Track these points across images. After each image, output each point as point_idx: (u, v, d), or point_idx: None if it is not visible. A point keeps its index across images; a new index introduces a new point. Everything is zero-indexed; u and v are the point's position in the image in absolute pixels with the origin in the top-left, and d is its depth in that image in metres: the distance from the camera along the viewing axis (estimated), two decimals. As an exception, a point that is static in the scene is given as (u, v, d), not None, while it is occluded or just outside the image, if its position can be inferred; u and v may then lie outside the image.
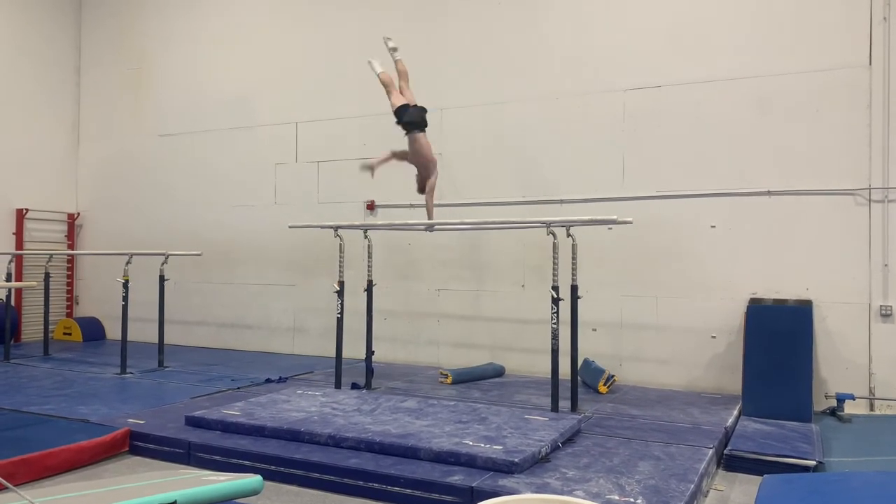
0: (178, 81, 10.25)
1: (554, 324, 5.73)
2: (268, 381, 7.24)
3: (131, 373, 7.56)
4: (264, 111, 9.50)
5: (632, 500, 3.73)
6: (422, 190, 6.57)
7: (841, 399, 6.21)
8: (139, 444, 5.06)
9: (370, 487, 4.20)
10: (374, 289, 7.05)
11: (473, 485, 3.96)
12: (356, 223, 7.41)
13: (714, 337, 7.00)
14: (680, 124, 7.19)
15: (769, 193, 6.80)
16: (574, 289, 5.85)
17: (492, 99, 8.08)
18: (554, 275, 5.74)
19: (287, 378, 7.37)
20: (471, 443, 4.50)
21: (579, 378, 6.25)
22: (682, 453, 4.64)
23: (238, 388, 6.84)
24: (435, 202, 6.70)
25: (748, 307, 6.50)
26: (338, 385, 6.71)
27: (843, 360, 6.49)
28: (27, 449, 4.51)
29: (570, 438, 4.91)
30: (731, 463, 4.84)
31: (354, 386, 6.77)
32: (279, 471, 4.47)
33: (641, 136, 7.36)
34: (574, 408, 5.83)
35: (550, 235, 5.71)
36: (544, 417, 5.22)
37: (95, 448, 4.80)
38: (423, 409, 5.51)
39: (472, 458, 4.26)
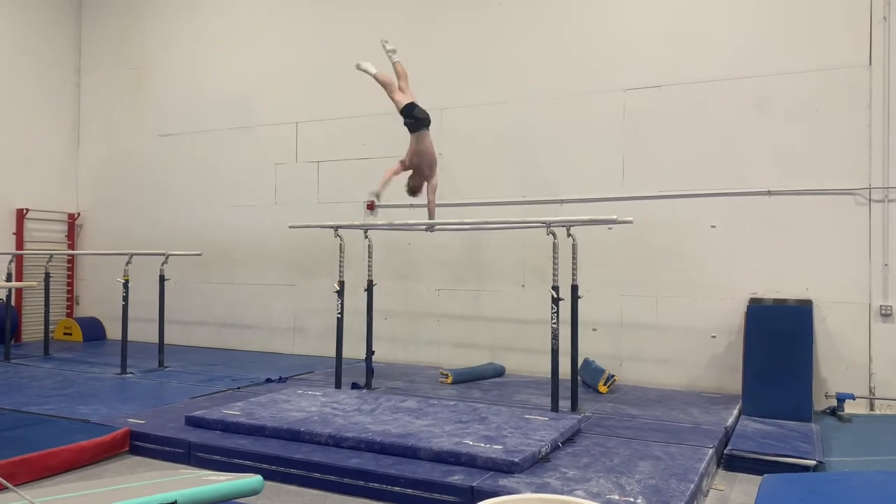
0: (178, 81, 10.25)
1: (554, 324, 5.73)
2: (268, 380, 7.24)
3: (131, 373, 7.56)
4: (264, 111, 9.50)
5: (632, 499, 3.74)
6: (413, 193, 6.50)
7: (841, 399, 6.21)
8: (139, 444, 5.06)
9: (370, 487, 4.20)
10: (375, 289, 7.05)
11: (473, 484, 3.96)
12: (356, 223, 7.41)
13: (714, 337, 7.00)
14: (680, 124, 7.19)
15: (769, 193, 6.81)
16: (574, 289, 5.85)
17: (492, 99, 8.08)
18: (554, 275, 5.74)
19: (287, 378, 7.37)
20: (471, 442, 4.50)
21: (579, 378, 6.26)
22: (683, 453, 4.64)
23: (238, 388, 6.84)
24: (436, 202, 6.69)
25: (748, 307, 6.50)
26: (338, 385, 6.71)
27: (844, 359, 6.49)
28: (27, 449, 4.51)
29: (570, 438, 4.92)
30: (731, 463, 4.84)
31: (355, 386, 6.78)
32: (279, 471, 4.47)
33: (641, 136, 7.36)
34: (574, 407, 5.83)
35: (550, 235, 5.71)
36: (544, 417, 5.22)
37: (95, 448, 4.81)
38: (424, 408, 5.51)
39: (473, 458, 4.26)
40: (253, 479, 3.39)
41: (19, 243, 10.06)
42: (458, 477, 4.07)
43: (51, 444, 4.63)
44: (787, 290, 6.69)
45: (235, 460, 4.64)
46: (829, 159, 6.60)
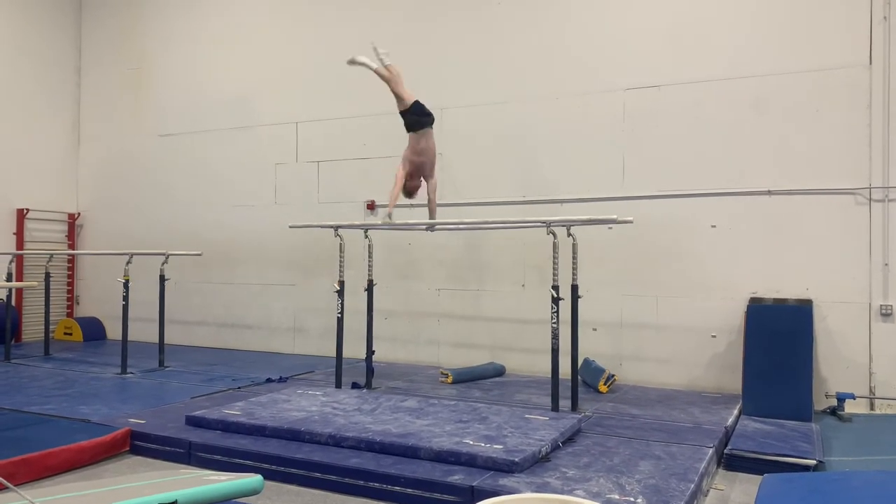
0: (178, 81, 10.25)
1: (554, 323, 5.73)
2: (268, 380, 7.24)
3: (132, 373, 7.56)
4: (264, 111, 9.50)
5: (632, 499, 3.74)
6: (410, 195, 6.35)
7: (841, 398, 6.21)
8: (140, 444, 5.06)
9: (371, 487, 4.20)
10: (375, 288, 7.05)
11: (474, 484, 3.96)
12: (356, 223, 7.41)
13: (714, 336, 7.00)
14: (680, 124, 7.19)
15: (769, 193, 6.81)
16: (574, 288, 5.85)
17: (492, 99, 8.08)
18: (554, 274, 5.74)
19: (287, 378, 7.37)
20: (471, 442, 4.50)
21: (579, 377, 6.26)
22: (683, 453, 4.64)
23: (238, 388, 6.84)
24: (436, 202, 6.66)
25: (748, 307, 6.50)
26: (338, 385, 6.72)
27: (844, 359, 6.49)
28: (28, 449, 4.51)
29: (570, 438, 4.92)
30: (732, 462, 4.84)
31: (355, 385, 6.78)
32: (280, 470, 4.47)
33: (641, 136, 7.36)
34: (574, 407, 5.83)
35: (551, 235, 5.71)
36: (545, 417, 5.22)
37: (96, 448, 4.81)
38: (424, 408, 5.51)
39: (473, 458, 4.27)
40: (253, 479, 3.39)
41: (19, 243, 10.06)
42: (458, 476, 4.08)
43: (51, 443, 4.64)
44: (788, 289, 6.69)
45: (236, 460, 4.65)
46: (830, 159, 6.60)
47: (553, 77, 7.79)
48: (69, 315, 10.86)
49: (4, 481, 2.86)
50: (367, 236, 7.00)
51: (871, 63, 6.48)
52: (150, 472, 4.47)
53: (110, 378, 7.34)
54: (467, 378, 7.28)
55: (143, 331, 9.11)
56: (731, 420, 5.67)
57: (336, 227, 6.85)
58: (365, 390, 6.58)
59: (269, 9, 9.59)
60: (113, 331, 10.16)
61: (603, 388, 6.66)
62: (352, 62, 6.39)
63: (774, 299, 6.64)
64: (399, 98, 6.24)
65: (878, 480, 3.99)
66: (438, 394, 6.55)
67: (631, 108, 7.41)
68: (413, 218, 7.74)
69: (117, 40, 10.79)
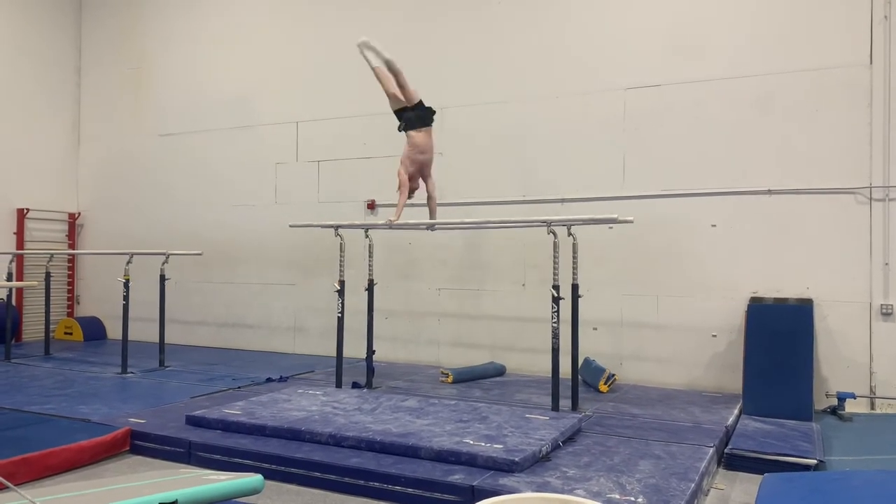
0: (178, 81, 10.25)
1: (554, 323, 5.73)
2: (269, 380, 7.24)
3: (132, 372, 7.56)
4: (264, 111, 9.50)
5: (632, 498, 3.73)
6: (408, 196, 6.27)
7: (842, 398, 6.21)
8: (140, 444, 5.06)
9: (371, 486, 4.20)
10: (375, 288, 7.05)
11: (474, 484, 3.96)
12: (357, 223, 7.41)
13: (715, 336, 7.00)
14: (680, 123, 7.19)
15: (770, 192, 6.80)
16: (575, 288, 5.85)
17: (492, 98, 8.08)
18: (555, 274, 5.73)
19: (288, 377, 7.37)
20: (471, 442, 4.50)
21: (580, 377, 6.26)
22: (683, 452, 4.64)
23: (239, 388, 6.84)
24: (437, 202, 6.64)
25: (749, 306, 6.49)
26: (338, 384, 6.71)
27: (844, 358, 6.49)
28: (28, 448, 4.51)
29: (570, 437, 4.92)
30: (732, 462, 4.84)
31: (355, 385, 6.78)
32: (280, 470, 4.47)
33: (642, 136, 7.36)
34: (575, 407, 5.83)
35: (551, 235, 5.71)
36: (545, 416, 5.22)
37: (96, 447, 4.81)
38: (424, 408, 5.51)
39: (473, 457, 4.26)
40: (253, 479, 3.39)
41: (20, 243, 10.06)
42: (458, 476, 4.07)
43: (51, 443, 4.64)
44: (788, 289, 6.69)
45: (236, 460, 4.64)
46: (830, 158, 6.59)
47: (553, 77, 7.79)
48: (69, 315, 10.87)
49: (5, 481, 2.86)
50: (367, 236, 7.00)
51: (871, 62, 6.48)
52: (150, 472, 4.47)
53: (110, 378, 7.34)
54: (468, 378, 7.27)
55: (144, 330, 9.10)
56: (731, 419, 5.67)
57: (336, 227, 6.85)
58: (365, 390, 6.58)
59: (269, 9, 9.59)
60: (113, 330, 10.16)
61: (603, 388, 6.66)
62: (364, 45, 6.08)
63: (775, 299, 6.64)
64: (405, 94, 6.10)
65: (879, 480, 3.99)
66: (439, 393, 6.55)
67: (631, 108, 7.41)
68: (413, 217, 7.73)
69: (117, 40, 10.79)
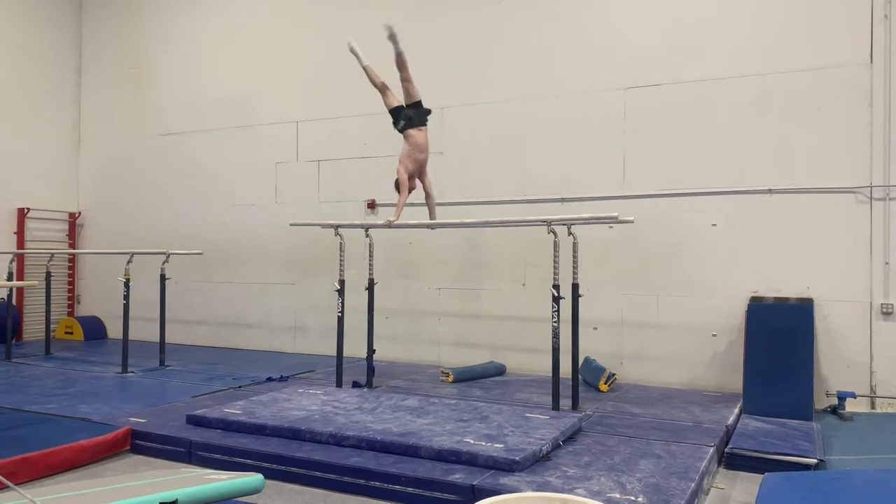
0: (178, 81, 10.25)
1: (555, 322, 5.73)
2: (269, 379, 7.24)
3: (133, 372, 7.57)
4: (264, 111, 9.50)
5: (633, 498, 3.74)
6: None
7: (842, 397, 6.21)
8: (140, 443, 5.07)
9: (371, 486, 4.20)
10: (375, 287, 7.05)
11: (474, 483, 3.96)
12: (357, 222, 7.41)
13: (715, 335, 7.00)
14: (681, 123, 7.19)
15: (770, 192, 6.80)
16: (575, 287, 5.85)
17: (492, 98, 8.08)
18: (555, 273, 5.73)
19: (288, 377, 7.38)
20: (472, 441, 4.50)
21: (580, 376, 6.26)
22: (683, 451, 4.64)
23: (239, 387, 6.84)
24: (436, 201, 6.65)
25: (749, 305, 6.49)
26: (339, 384, 6.72)
27: (844, 358, 6.49)
28: (29, 448, 4.51)
29: (571, 437, 4.92)
30: (732, 461, 4.84)
31: (355, 384, 6.78)
32: (280, 469, 4.48)
33: (642, 135, 7.36)
34: (575, 406, 5.83)
35: (551, 234, 5.71)
36: (545, 416, 5.22)
37: (97, 447, 4.81)
38: (425, 407, 5.51)
39: (474, 457, 4.27)
40: (254, 478, 3.39)
41: (20, 242, 10.06)
42: (458, 475, 4.08)
43: (52, 442, 4.64)
44: (788, 288, 6.68)
45: (236, 459, 4.65)
46: (830, 158, 6.59)
47: (553, 77, 7.79)
48: (70, 314, 10.87)
49: (6, 480, 2.86)
50: (367, 235, 7.00)
51: (871, 61, 6.48)
52: (150, 471, 4.47)
53: (111, 377, 7.35)
54: (468, 377, 7.28)
55: (144, 330, 9.11)
56: (731, 419, 5.67)
57: (336, 227, 6.85)
58: (365, 389, 6.58)
59: (269, 9, 9.59)
60: (114, 330, 10.17)
61: (603, 387, 6.66)
62: (351, 47, 6.40)
63: (775, 298, 6.64)
64: (409, 89, 6.16)
65: (879, 479, 3.99)
66: (439, 393, 6.55)
67: (631, 108, 7.41)
68: (414, 217, 7.73)
69: (117, 40, 10.79)
